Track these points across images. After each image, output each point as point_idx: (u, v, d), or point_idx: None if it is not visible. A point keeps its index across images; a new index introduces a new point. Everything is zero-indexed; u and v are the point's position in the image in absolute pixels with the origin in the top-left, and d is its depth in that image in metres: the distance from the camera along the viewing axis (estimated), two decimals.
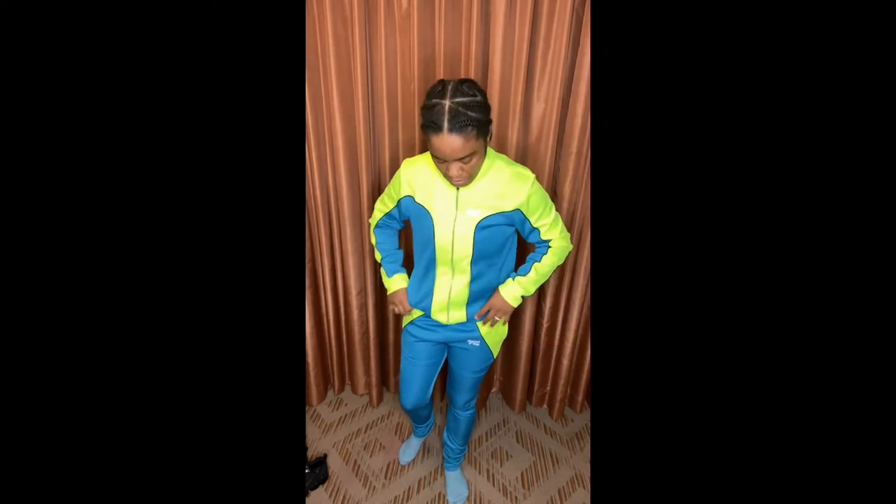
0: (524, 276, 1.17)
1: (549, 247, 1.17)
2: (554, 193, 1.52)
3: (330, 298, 1.77)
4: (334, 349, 1.89)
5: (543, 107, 1.39)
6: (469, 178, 1.00)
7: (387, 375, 1.96)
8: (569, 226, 1.55)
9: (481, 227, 1.06)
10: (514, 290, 1.18)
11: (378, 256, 1.30)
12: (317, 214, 1.61)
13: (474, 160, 0.97)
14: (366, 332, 1.81)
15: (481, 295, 1.18)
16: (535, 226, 1.11)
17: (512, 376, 1.86)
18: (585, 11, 1.25)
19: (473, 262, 1.10)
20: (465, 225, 1.06)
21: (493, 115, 1.37)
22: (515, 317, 1.74)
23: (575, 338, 1.73)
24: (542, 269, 1.17)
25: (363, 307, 1.76)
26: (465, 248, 1.08)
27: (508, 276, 1.20)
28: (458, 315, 1.20)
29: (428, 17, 1.30)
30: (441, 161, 0.96)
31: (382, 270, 1.30)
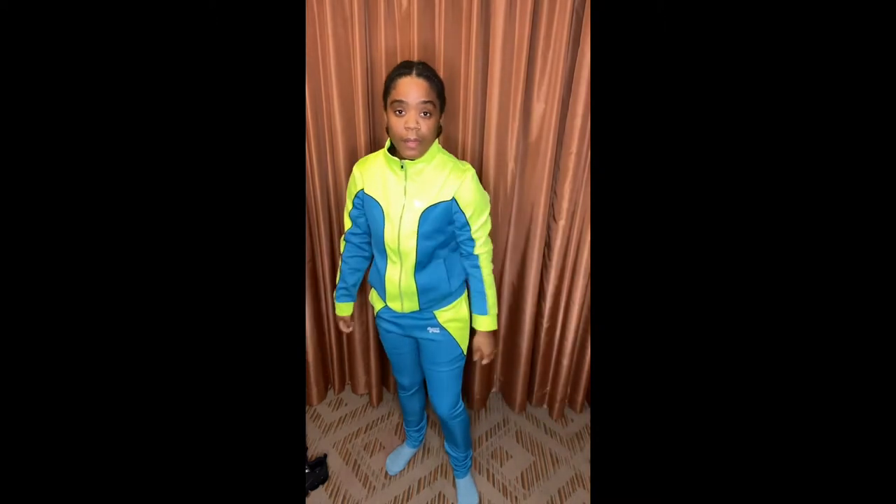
0: (487, 309, 1.24)
1: (478, 258, 1.21)
2: (554, 193, 1.52)
3: (330, 298, 1.77)
4: (334, 349, 1.89)
5: (543, 107, 1.39)
6: (422, 141, 1.02)
7: (387, 375, 1.96)
8: (569, 225, 1.55)
9: (424, 217, 1.10)
10: (487, 323, 1.26)
11: (337, 279, 1.37)
12: (317, 214, 1.61)
13: (431, 121, 1.02)
14: (366, 332, 1.81)
15: (430, 287, 1.20)
16: (468, 220, 1.14)
17: (512, 376, 1.86)
18: (585, 11, 1.25)
19: (418, 251, 1.14)
20: (410, 215, 1.10)
21: (493, 115, 1.38)
22: (515, 317, 1.74)
23: (575, 338, 1.73)
24: (488, 282, 1.23)
25: (363, 307, 1.76)
26: (410, 237, 1.12)
27: (460, 293, 1.26)
28: (411, 304, 1.23)
29: (428, 17, 1.30)
30: (402, 108, 1.00)
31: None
